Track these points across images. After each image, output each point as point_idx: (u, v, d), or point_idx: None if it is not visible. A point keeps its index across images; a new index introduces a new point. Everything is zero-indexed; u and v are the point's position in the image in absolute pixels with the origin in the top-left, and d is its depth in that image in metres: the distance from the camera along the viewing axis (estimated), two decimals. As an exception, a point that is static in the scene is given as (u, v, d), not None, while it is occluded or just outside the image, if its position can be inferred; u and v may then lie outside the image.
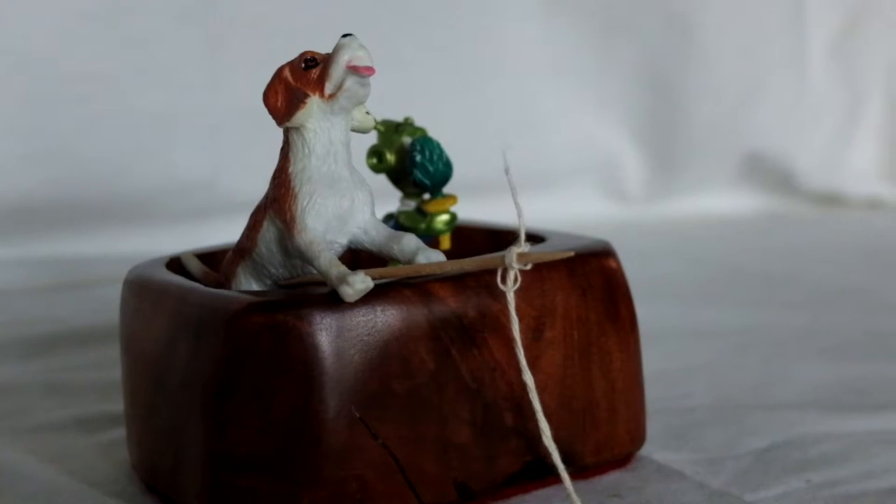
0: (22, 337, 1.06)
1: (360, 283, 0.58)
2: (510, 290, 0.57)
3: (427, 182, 0.71)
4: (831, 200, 1.70)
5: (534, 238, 0.72)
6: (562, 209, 1.52)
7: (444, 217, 0.72)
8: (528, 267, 0.57)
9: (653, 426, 0.75)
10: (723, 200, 1.66)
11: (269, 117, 0.63)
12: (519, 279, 0.57)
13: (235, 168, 1.44)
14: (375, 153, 0.73)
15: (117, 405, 0.83)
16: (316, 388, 0.59)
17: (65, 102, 1.39)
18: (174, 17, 1.43)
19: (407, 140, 0.73)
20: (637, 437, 0.71)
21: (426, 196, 0.73)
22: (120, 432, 0.78)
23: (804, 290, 1.22)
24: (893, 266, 1.36)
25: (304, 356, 0.58)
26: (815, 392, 0.86)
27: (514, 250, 0.57)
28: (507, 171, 0.56)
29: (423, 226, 0.72)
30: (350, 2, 1.50)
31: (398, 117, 0.75)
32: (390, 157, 0.73)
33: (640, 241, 1.46)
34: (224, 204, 1.40)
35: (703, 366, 0.93)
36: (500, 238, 0.77)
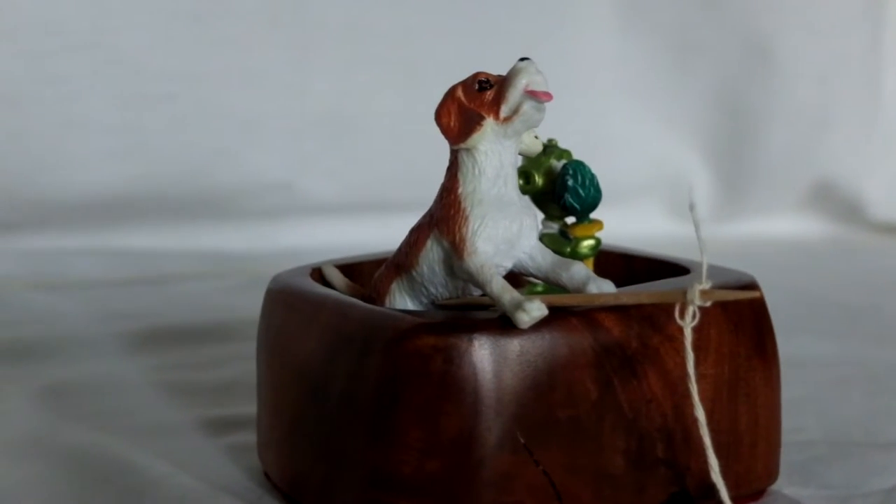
0: (117, 332, 1.06)
1: (537, 310, 0.58)
2: (688, 325, 0.57)
3: (577, 206, 0.71)
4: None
5: (678, 268, 0.72)
6: (629, 227, 1.52)
7: (590, 242, 0.72)
8: (709, 304, 0.57)
9: (776, 461, 0.75)
10: (790, 225, 1.66)
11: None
12: (697, 315, 0.57)
13: (313, 172, 1.45)
14: (523, 174, 0.73)
15: (236, 407, 0.83)
16: (483, 413, 0.59)
17: (151, 100, 1.40)
18: (263, 21, 1.44)
19: (555, 162, 0.72)
20: (773, 472, 0.71)
21: (570, 219, 0.73)
22: (245, 436, 0.78)
23: (888, 321, 1.22)
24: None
25: (473, 380, 0.58)
26: (929, 430, 0.86)
27: (697, 286, 0.56)
28: (692, 208, 0.56)
29: (567, 249, 0.72)
30: (430, 12, 1.50)
31: (552, 138, 0.76)
32: (538, 179, 0.72)
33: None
34: (300, 206, 1.41)
35: (808, 398, 0.93)
36: (634, 264, 0.77)
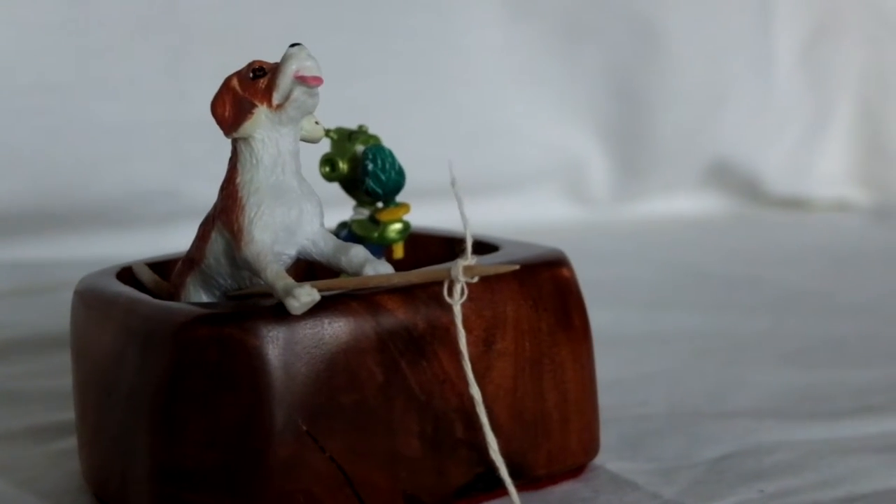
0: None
1: (306, 295, 0.58)
2: (457, 303, 0.57)
3: (379, 191, 0.71)
4: (797, 204, 1.70)
5: (487, 247, 0.72)
6: (527, 213, 1.52)
7: (398, 226, 0.72)
8: (475, 280, 0.57)
9: (608, 435, 0.75)
10: (688, 204, 1.66)
11: None
12: (466, 292, 0.57)
13: (198, 177, 1.44)
14: (328, 162, 0.73)
15: (70, 414, 0.82)
16: (262, 402, 0.58)
17: (22, 113, 1.39)
18: (133, 28, 1.43)
19: (360, 148, 0.72)
20: (590, 447, 0.70)
21: (380, 205, 0.73)
22: (72, 442, 0.77)
23: (766, 293, 1.22)
24: (857, 269, 1.36)
25: (250, 369, 0.58)
26: (773, 399, 0.85)
27: (461, 263, 0.56)
28: (453, 184, 0.55)
29: (375, 234, 0.72)
30: (312, 11, 1.49)
31: (361, 124, 0.75)
32: (343, 166, 0.72)
33: (604, 244, 1.46)
34: (187, 211, 1.40)
35: (662, 372, 0.93)
36: (456, 246, 0.77)
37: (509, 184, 1.57)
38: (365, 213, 0.73)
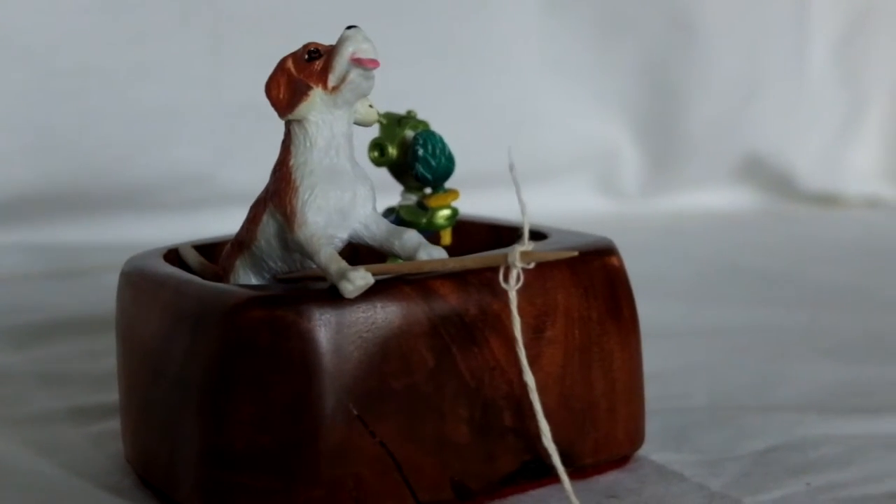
0: (16, 324, 1.06)
1: (361, 279, 0.57)
2: (512, 288, 0.57)
3: (429, 176, 0.70)
4: (830, 200, 1.70)
5: (536, 235, 0.71)
6: (559, 204, 1.51)
7: (446, 212, 0.72)
8: (532, 266, 0.57)
9: (651, 426, 0.74)
10: (721, 198, 1.65)
11: (270, 111, 0.62)
12: (521, 278, 0.57)
13: (235, 161, 1.44)
14: (377, 146, 0.72)
15: (112, 396, 0.82)
16: (313, 385, 0.58)
17: (63, 96, 1.39)
18: (174, 12, 1.43)
19: (409, 133, 0.72)
20: (636, 437, 0.70)
21: (428, 190, 0.73)
22: (114, 424, 0.77)
23: (803, 289, 1.21)
24: (892, 265, 1.35)
25: (301, 352, 0.58)
26: (815, 393, 0.85)
27: (518, 248, 0.56)
28: (511, 168, 0.55)
29: (424, 220, 0.71)
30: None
31: (400, 111, 0.75)
32: (392, 151, 0.72)
33: (635, 237, 1.45)
34: (222, 195, 1.40)
35: (703, 365, 0.92)
36: (502, 234, 0.76)
37: (542, 174, 1.56)
38: (413, 198, 0.73)
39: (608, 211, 1.59)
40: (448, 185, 0.73)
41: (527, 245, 0.56)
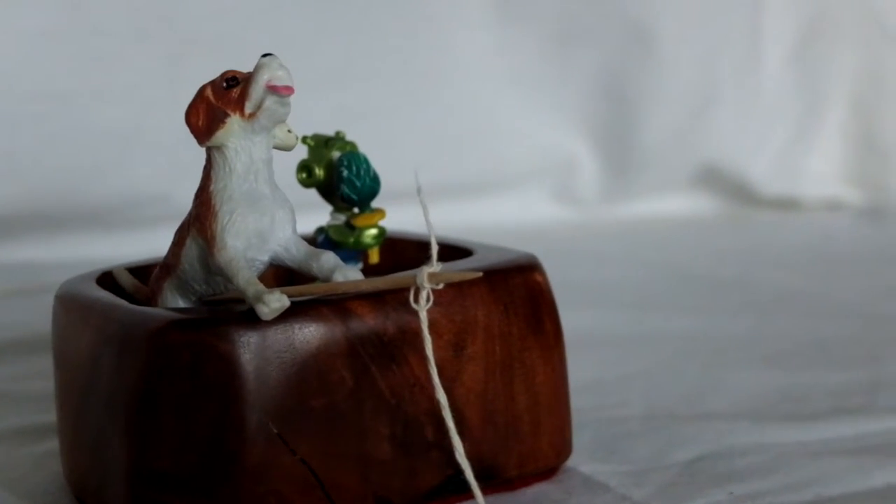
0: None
1: (276, 301, 0.59)
2: (423, 308, 0.58)
3: (354, 197, 0.72)
4: (789, 204, 1.71)
5: (461, 252, 0.73)
6: (516, 214, 1.54)
7: (373, 231, 0.73)
8: (440, 286, 0.58)
9: (583, 437, 0.76)
10: (679, 205, 1.67)
11: None
12: (432, 298, 0.58)
13: (190, 181, 1.44)
14: (305, 168, 0.74)
15: (55, 416, 0.83)
16: (234, 405, 0.59)
17: (21, 120, 1.40)
18: (130, 36, 1.44)
19: (336, 154, 0.73)
20: (563, 449, 0.71)
21: (356, 210, 0.74)
22: (56, 444, 0.78)
23: (754, 295, 1.23)
24: (846, 269, 1.37)
25: (222, 373, 0.59)
26: (750, 401, 0.86)
27: (426, 270, 0.57)
28: (419, 191, 0.57)
29: (351, 240, 0.73)
30: (305, 16, 1.50)
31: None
32: (319, 172, 0.73)
33: (593, 245, 1.47)
34: (178, 214, 1.40)
35: (641, 374, 0.94)
36: (428, 249, 0.78)
37: (499, 184, 1.58)
38: (341, 218, 0.74)
39: (566, 219, 1.60)
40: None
41: (435, 266, 0.57)
